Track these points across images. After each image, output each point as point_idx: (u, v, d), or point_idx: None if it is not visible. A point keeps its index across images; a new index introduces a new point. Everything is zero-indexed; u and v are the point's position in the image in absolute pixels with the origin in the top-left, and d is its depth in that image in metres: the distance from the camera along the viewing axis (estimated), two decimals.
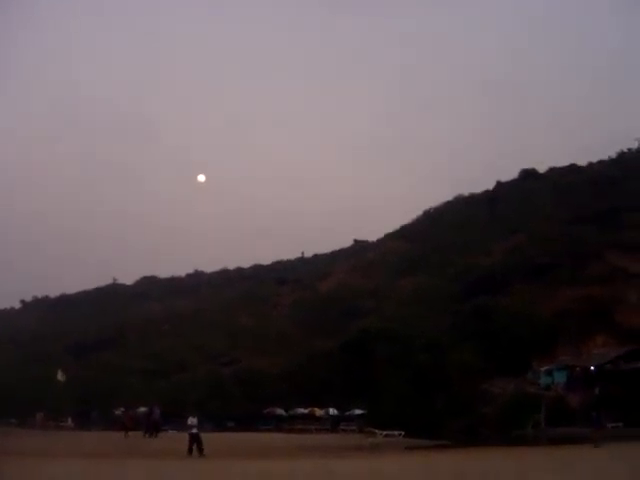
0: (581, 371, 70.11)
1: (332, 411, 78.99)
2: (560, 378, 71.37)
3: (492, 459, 33.80)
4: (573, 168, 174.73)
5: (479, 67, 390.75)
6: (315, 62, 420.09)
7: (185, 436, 37.76)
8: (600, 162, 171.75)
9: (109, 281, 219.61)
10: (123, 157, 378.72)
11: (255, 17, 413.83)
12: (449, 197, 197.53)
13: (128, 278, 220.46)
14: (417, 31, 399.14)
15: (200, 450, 35.78)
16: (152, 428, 58.16)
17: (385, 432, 66.40)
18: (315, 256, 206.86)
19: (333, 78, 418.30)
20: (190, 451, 35.89)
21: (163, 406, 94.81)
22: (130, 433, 58.03)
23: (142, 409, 73.61)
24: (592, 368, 68.20)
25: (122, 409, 79.31)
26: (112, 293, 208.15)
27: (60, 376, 69.91)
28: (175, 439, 56.22)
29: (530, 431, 62.14)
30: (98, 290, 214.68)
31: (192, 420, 37.34)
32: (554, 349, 79.14)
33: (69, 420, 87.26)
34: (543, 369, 74.78)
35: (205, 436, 37.83)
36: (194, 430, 36.89)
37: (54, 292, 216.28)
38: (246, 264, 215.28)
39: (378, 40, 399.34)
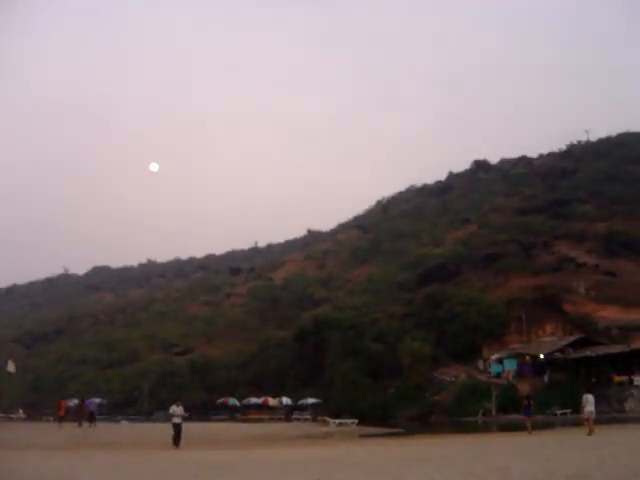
0: (531, 359, 71.14)
1: (285, 400, 79.12)
2: (510, 366, 72.37)
3: (443, 446, 34.28)
4: (524, 160, 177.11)
5: (432, 63, 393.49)
6: (272, 57, 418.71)
7: (131, 427, 36.51)
8: (550, 154, 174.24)
9: (60, 271, 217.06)
10: (75, 148, 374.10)
11: (211, 13, 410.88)
12: (402, 188, 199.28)
13: (79, 268, 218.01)
14: (374, 30, 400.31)
15: (177, 441, 33.87)
16: (87, 418, 57.74)
17: (339, 421, 66.72)
18: (269, 246, 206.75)
19: (287, 72, 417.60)
20: (175, 442, 33.87)
21: (115, 396, 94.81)
22: (63, 424, 57.51)
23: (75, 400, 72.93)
24: (541, 356, 69.26)
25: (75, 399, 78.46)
26: (63, 283, 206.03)
27: (10, 367, 68.70)
28: (114, 430, 56.20)
29: (481, 418, 63.07)
30: (49, 280, 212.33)
31: (174, 409, 34.82)
32: (504, 337, 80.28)
33: (20, 411, 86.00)
34: (493, 357, 75.75)
35: (158, 427, 37.42)
36: (177, 419, 34.53)
37: (5, 282, 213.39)
38: (199, 254, 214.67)
39: (334, 37, 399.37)
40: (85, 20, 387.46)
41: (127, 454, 31.43)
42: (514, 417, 58.68)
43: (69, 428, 53.54)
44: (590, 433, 34.32)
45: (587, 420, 35.70)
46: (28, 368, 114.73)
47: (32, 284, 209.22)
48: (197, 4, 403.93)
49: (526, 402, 43.95)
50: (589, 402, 36.22)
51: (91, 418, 57.59)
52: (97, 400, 78.26)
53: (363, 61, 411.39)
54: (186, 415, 37.33)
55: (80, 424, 56.55)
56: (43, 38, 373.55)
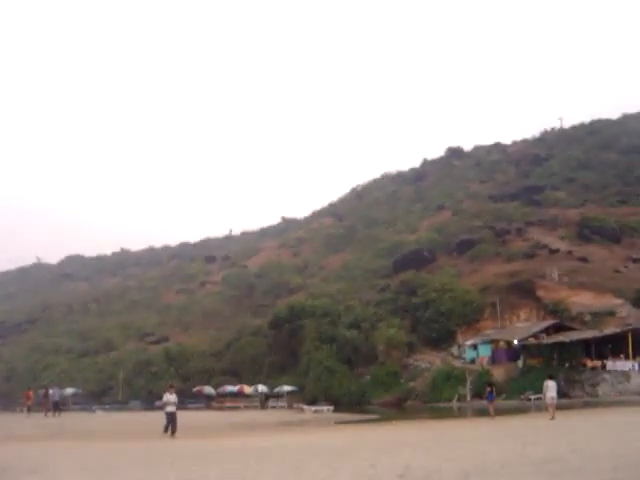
0: (505, 345, 71.63)
1: (261, 388, 79.04)
2: (484, 352, 72.80)
3: (419, 432, 34.48)
4: (498, 146, 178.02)
5: (405, 51, 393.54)
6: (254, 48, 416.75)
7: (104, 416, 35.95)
8: (524, 141, 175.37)
9: (33, 261, 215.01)
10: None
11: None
12: (376, 175, 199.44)
13: (52, 257, 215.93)
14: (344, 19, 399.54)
15: (173, 430, 32.95)
16: (52, 408, 57.79)
17: (314, 408, 66.87)
18: (243, 234, 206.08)
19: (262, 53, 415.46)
20: (166, 429, 33.10)
21: (90, 385, 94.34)
22: (31, 413, 57.60)
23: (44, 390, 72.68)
24: (515, 342, 69.70)
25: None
26: (37, 273, 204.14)
27: None
28: (89, 420, 55.95)
29: (456, 404, 63.46)
30: (22, 270, 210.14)
31: (168, 397, 33.42)
32: (479, 323, 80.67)
33: None
34: (468, 343, 76.15)
35: (135, 416, 37.14)
36: (170, 408, 33.27)
37: None
38: (173, 242, 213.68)
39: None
40: None
41: (104, 444, 31.33)
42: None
43: (37, 418, 53.44)
44: (552, 418, 35.38)
45: (550, 405, 37.02)
46: (1, 358, 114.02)
47: (5, 274, 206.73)
48: None
49: (489, 388, 45.86)
50: (550, 388, 37.65)
51: (55, 407, 57.71)
52: (65, 390, 78.55)
53: (334, 50, 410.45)
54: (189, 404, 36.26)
55: (46, 414, 56.64)
56: None
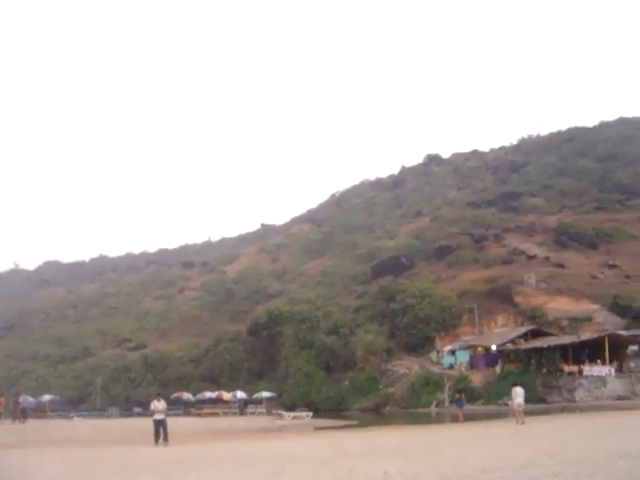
0: (483, 350, 71.90)
1: (240, 394, 78.76)
2: (463, 357, 73.05)
3: (397, 437, 34.56)
4: (475, 153, 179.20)
5: (384, 59, 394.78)
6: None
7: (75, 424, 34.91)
8: (501, 148, 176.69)
9: (10, 266, 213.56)
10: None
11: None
12: (355, 181, 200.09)
13: (30, 263, 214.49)
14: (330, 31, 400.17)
15: (165, 437, 31.90)
16: (19, 415, 57.76)
17: (293, 414, 66.74)
18: (222, 240, 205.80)
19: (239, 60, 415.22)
20: (157, 439, 31.82)
21: (67, 392, 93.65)
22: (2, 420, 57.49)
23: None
24: (493, 347, 70.01)
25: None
26: (14, 278, 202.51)
27: None
28: (66, 427, 55.50)
29: (434, 409, 63.61)
30: None
31: (156, 405, 32.54)
32: (457, 329, 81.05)
33: None
34: (446, 349, 76.38)
35: (113, 422, 36.82)
36: (159, 416, 32.29)
37: None
38: (152, 248, 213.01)
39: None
40: None
41: (80, 451, 31.11)
42: (467, 408, 59.40)
43: (7, 425, 53.19)
44: (520, 423, 36.24)
45: (517, 411, 37.87)
46: None
47: None
48: None
49: (458, 395, 47.70)
50: (518, 395, 38.44)
51: (23, 415, 57.66)
52: (42, 397, 78.72)
53: (311, 58, 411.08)
54: (167, 411, 35.07)
55: (14, 421, 56.56)
56: None
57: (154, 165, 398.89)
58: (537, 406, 53.50)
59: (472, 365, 71.49)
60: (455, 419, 46.52)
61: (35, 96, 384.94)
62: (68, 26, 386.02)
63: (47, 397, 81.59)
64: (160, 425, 32.07)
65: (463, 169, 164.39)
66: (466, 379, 65.97)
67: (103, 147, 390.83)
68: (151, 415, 33.59)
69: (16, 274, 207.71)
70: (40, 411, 70.47)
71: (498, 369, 67.50)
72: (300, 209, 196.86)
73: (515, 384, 40.58)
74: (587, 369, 60.01)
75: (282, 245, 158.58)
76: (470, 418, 45.25)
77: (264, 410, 75.43)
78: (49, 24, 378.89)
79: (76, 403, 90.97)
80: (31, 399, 71.05)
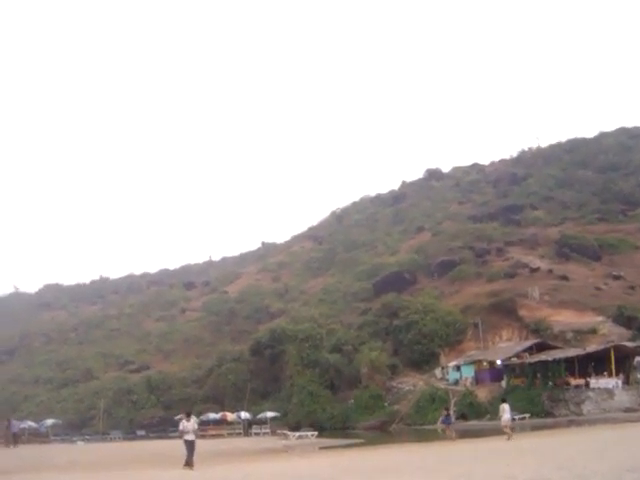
0: (488, 365, 71.46)
1: (244, 415, 78.27)
2: (468, 373, 72.60)
3: (403, 455, 34.12)
4: (476, 167, 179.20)
5: (381, 71, 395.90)
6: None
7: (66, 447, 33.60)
8: (502, 161, 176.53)
9: (11, 290, 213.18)
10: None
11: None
12: (355, 198, 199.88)
13: (31, 286, 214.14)
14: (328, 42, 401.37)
15: (188, 459, 29.15)
16: (10, 440, 57.74)
17: (298, 433, 66.08)
18: (223, 259, 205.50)
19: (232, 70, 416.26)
20: (189, 461, 29.15)
21: (70, 415, 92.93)
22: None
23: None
24: (498, 362, 69.56)
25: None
26: (14, 302, 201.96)
27: None
28: (64, 450, 55.07)
29: (440, 426, 63.00)
30: None
31: (185, 425, 29.89)
32: (461, 344, 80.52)
33: None
34: (451, 364, 75.89)
35: (117, 446, 36.25)
36: (190, 437, 29.62)
37: None
38: (152, 269, 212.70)
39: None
40: None
41: (88, 475, 30.64)
42: (473, 424, 58.93)
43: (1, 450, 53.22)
44: (509, 438, 36.85)
45: (505, 427, 38.48)
46: None
47: None
48: None
49: (445, 412, 48.08)
50: (506, 411, 39.07)
51: (15, 439, 57.68)
52: (44, 421, 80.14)
53: (309, 72, 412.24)
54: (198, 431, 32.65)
55: (7, 445, 56.56)
56: None
57: (154, 186, 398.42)
58: (544, 420, 52.97)
59: (477, 380, 71.03)
60: (468, 435, 46.07)
61: (35, 113, 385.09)
62: (69, 30, 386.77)
63: (50, 421, 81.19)
64: (190, 446, 29.52)
65: (464, 183, 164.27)
66: (472, 395, 65.48)
67: (102, 170, 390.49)
68: (180, 436, 31.11)
69: (17, 297, 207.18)
70: (42, 436, 70.27)
71: (504, 384, 66.99)
72: (301, 226, 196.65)
73: (504, 400, 40.92)
74: (594, 381, 59.59)
75: (283, 263, 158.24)
76: (475, 434, 44.69)
77: (269, 430, 74.83)
78: (49, 26, 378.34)
79: (79, 427, 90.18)
80: (25, 424, 71.93)
